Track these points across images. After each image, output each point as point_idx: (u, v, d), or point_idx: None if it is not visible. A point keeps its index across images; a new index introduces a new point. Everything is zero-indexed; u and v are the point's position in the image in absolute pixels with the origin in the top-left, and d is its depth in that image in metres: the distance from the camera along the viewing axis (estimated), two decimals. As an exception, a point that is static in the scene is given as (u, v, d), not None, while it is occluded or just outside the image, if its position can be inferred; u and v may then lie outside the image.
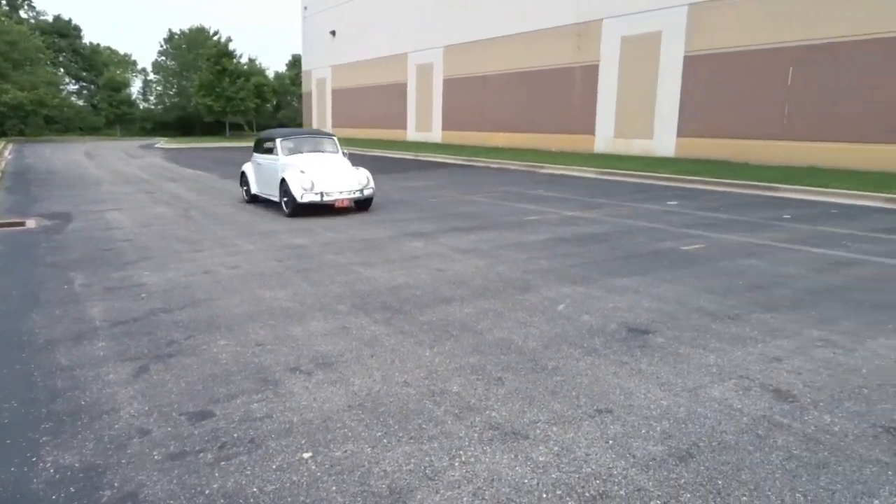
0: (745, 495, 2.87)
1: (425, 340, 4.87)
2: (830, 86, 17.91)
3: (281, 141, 11.84)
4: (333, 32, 45.11)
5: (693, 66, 21.60)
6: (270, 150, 12.10)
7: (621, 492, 2.90)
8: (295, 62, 65.39)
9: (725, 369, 4.27)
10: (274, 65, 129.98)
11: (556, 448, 3.27)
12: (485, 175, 19.24)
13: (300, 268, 7.31)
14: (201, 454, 3.25)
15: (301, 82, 53.90)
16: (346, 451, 3.26)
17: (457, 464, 3.13)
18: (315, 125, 50.02)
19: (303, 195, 10.81)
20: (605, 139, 25.30)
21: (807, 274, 6.86)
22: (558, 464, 3.12)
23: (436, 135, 34.87)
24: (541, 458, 3.17)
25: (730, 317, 5.39)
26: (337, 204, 11.11)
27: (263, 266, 7.42)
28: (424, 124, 36.07)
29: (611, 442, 3.33)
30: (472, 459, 3.17)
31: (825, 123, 18.06)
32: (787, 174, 16.15)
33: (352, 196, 11.24)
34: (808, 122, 18.51)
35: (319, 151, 12.00)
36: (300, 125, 55.05)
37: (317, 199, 10.89)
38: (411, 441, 3.36)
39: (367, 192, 11.40)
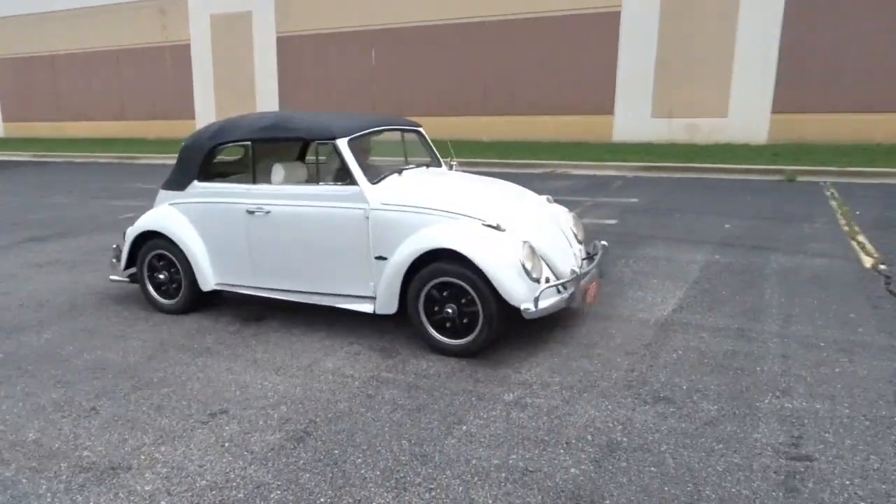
0: (359, 457, 2.99)
1: (-12, 385, 3.90)
2: (405, 66, 20.25)
3: (347, 143, 4.45)
4: None
5: (286, 46, 22.05)
6: (263, 171, 4.77)
7: (240, 494, 2.74)
8: None
9: (337, 340, 4.43)
10: None
11: (164, 470, 2.92)
12: (67, 172, 16.60)
13: None
14: None
15: None
16: None
17: (36, 529, 2.56)
18: None
19: (539, 295, 3.92)
20: (209, 122, 24.24)
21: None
22: (168, 488, 2.80)
23: (-3, 128, 28.77)
24: (147, 488, 2.80)
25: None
26: (590, 296, 4.50)
27: None
28: (-21, 116, 29.35)
29: (227, 444, 3.13)
30: (58, 517, 2.63)
31: (403, 101, 20.40)
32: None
33: (593, 270, 4.65)
34: (388, 100, 20.66)
35: (419, 166, 5.16)
36: None
37: (563, 297, 4.15)
38: (-32, 521, 2.62)
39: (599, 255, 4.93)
